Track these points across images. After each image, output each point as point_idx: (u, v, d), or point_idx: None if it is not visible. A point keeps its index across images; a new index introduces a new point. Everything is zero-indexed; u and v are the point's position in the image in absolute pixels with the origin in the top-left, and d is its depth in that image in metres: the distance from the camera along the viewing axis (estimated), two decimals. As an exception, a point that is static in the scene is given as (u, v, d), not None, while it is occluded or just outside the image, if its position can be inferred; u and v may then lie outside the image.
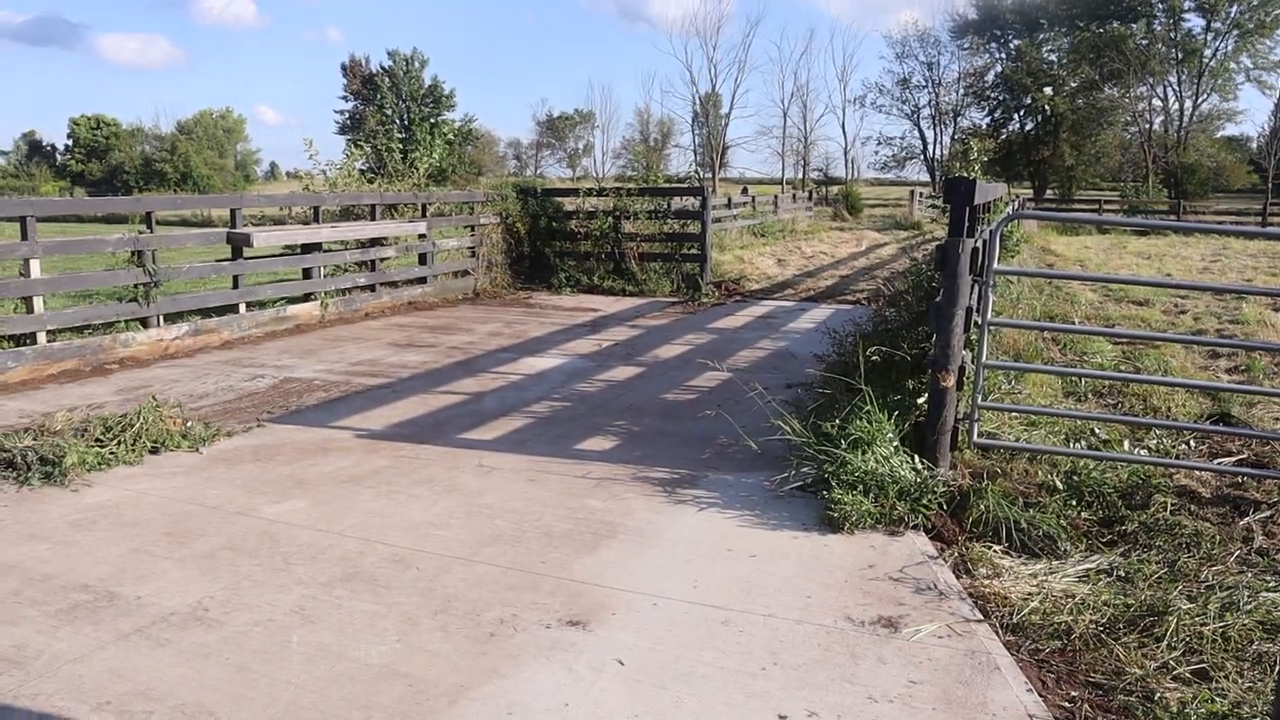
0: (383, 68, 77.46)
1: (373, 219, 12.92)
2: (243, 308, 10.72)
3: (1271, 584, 4.13)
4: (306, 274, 11.80)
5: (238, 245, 10.60)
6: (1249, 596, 3.96)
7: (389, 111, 75.19)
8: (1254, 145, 62.99)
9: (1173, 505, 5.06)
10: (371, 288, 12.81)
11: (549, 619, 3.86)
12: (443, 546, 4.58)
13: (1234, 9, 57.20)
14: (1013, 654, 3.68)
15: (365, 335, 10.78)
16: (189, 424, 6.40)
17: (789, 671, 3.48)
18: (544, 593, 4.10)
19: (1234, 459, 5.87)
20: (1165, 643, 3.68)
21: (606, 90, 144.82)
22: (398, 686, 3.33)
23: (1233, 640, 3.68)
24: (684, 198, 17.53)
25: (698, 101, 77.39)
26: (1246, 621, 3.77)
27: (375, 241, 12.85)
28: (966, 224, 5.22)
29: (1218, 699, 3.27)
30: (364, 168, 18.65)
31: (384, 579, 4.21)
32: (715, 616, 3.92)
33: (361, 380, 8.26)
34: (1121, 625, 3.85)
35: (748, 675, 3.45)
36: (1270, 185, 51.82)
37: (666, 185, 18.36)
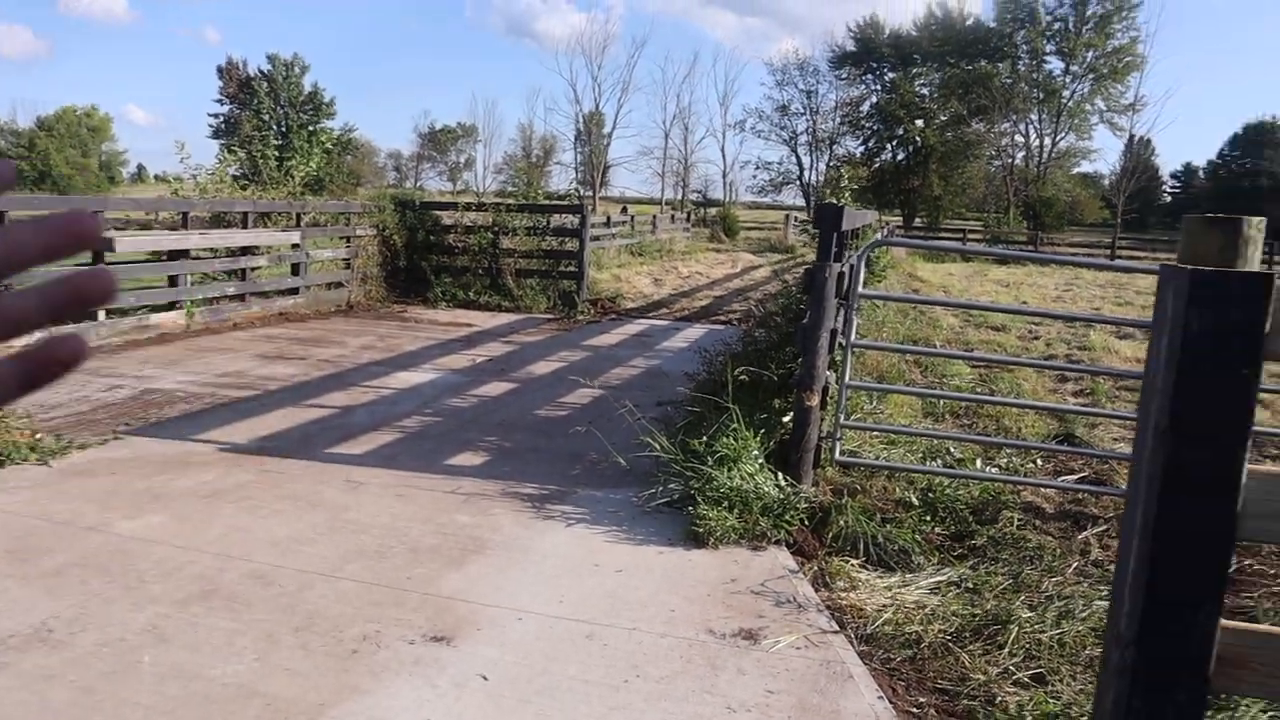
0: (261, 72, 75.50)
1: (245, 227, 12.60)
2: (101, 315, 10.31)
3: (1104, 594, 4.38)
4: (172, 281, 11.43)
5: (99, 251, 10.21)
6: (1083, 605, 4.19)
7: (266, 117, 73.30)
8: (1106, 182, 66.45)
9: (1019, 520, 5.33)
10: (241, 297, 12.48)
11: (413, 635, 3.83)
12: (306, 563, 4.51)
13: (1090, 54, 60.42)
14: (866, 663, 3.81)
15: (233, 346, 10.49)
16: (38, 436, 6.13)
17: (651, 684, 3.54)
18: (409, 609, 4.07)
19: (1076, 477, 6.21)
20: (1007, 650, 3.87)
21: (491, 105, 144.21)
22: (255, 706, 3.27)
23: (1068, 646, 3.89)
24: (563, 215, 17.61)
25: (581, 120, 77.69)
26: (1080, 629, 3.99)
27: (246, 250, 12.53)
28: (834, 249, 5.41)
29: (1052, 701, 3.46)
30: (238, 174, 18.18)
31: (244, 596, 4.12)
32: (580, 630, 3.95)
33: (227, 392, 8.05)
34: (968, 634, 4.03)
35: (610, 688, 3.49)
36: (1120, 220, 54.79)
37: (546, 202, 18.38)
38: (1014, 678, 3.70)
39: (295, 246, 13.38)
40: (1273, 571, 4.87)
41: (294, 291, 13.48)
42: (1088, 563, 4.83)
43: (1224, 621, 1.83)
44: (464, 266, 15.67)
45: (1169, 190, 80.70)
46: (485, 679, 3.52)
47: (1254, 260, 1.75)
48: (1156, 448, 1.77)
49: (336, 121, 76.94)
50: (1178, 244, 1.89)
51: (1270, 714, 3.40)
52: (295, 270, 13.50)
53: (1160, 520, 1.78)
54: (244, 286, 12.51)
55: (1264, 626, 1.88)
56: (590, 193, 69.27)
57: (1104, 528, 5.31)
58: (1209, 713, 3.33)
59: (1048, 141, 61.88)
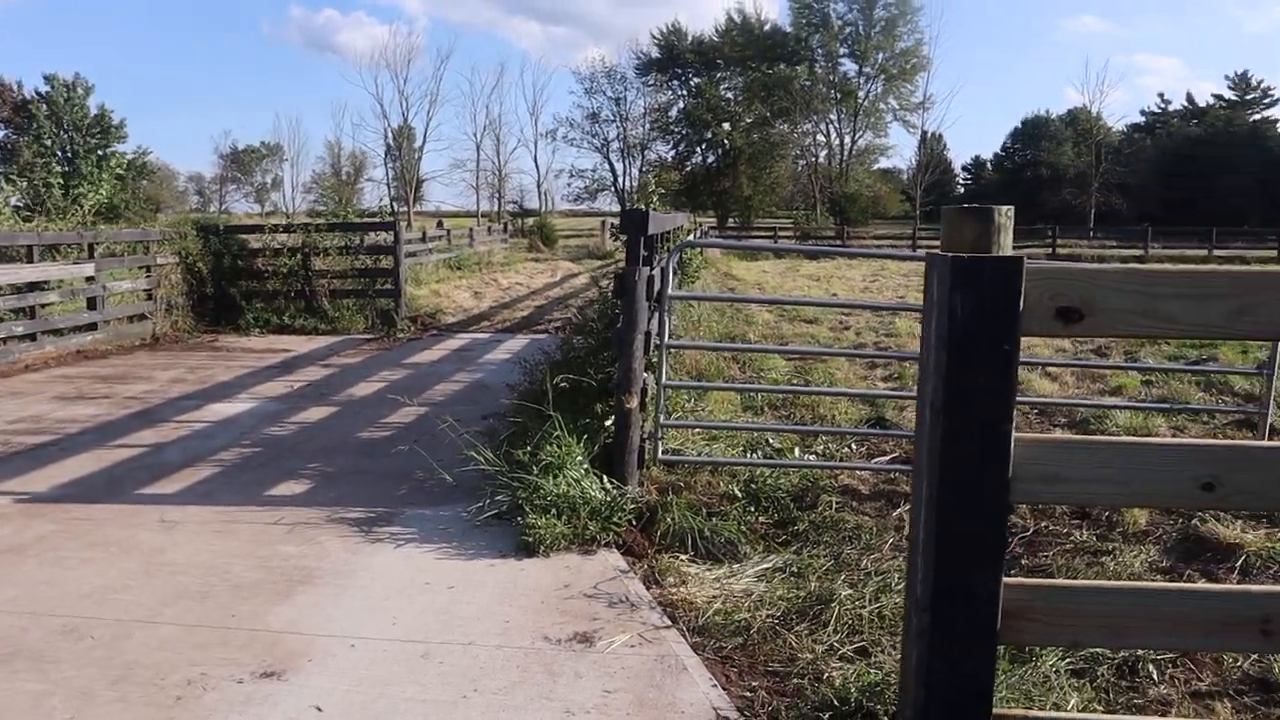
0: (39, 94, 70.83)
1: (30, 261, 11.84)
2: None
3: (917, 566, 4.64)
4: (-50, 325, 10.65)
5: None
6: (899, 579, 4.42)
7: (48, 143, 68.76)
8: (905, 177, 69.98)
9: (837, 503, 5.57)
10: (32, 337, 11.72)
11: (241, 673, 3.71)
12: (122, 611, 4.29)
13: (880, 56, 63.57)
14: (699, 654, 3.92)
15: (25, 389, 9.84)
16: None
17: (489, 696, 3.54)
18: (235, 647, 3.94)
19: (888, 458, 6.53)
20: (831, 627, 4.05)
21: (296, 122, 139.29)
22: (70, 764, 3.11)
23: (887, 619, 4.10)
24: (377, 233, 17.29)
25: (390, 134, 76.17)
26: (898, 601, 4.21)
27: (34, 286, 11.77)
28: (642, 253, 5.53)
29: (874, 671, 3.64)
30: (19, 204, 17.05)
31: (53, 653, 3.89)
32: (415, 651, 3.91)
33: (22, 439, 7.55)
34: (794, 616, 4.20)
35: (449, 705, 3.48)
36: (919, 212, 57.74)
37: (358, 220, 17.99)
38: (839, 653, 3.87)
39: (90, 279, 12.66)
40: (1065, 531, 5.25)
41: (92, 327, 12.74)
42: (902, 538, 5.08)
43: (1006, 579, 1.99)
44: (276, 290, 15.16)
45: (961, 182, 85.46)
46: (320, 710, 3.45)
47: (1006, 245, 1.91)
48: (934, 423, 1.91)
49: (129, 145, 72.91)
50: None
51: (1066, 660, 3.68)
52: (91, 305, 12.77)
53: (942, 491, 1.92)
54: (34, 325, 11.74)
55: (1042, 580, 2.05)
56: (405, 208, 68.07)
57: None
58: (1015, 666, 3.58)
59: (848, 140, 64.85)
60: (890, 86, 65.00)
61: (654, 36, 68.96)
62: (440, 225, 32.66)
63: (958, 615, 1.97)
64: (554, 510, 5.09)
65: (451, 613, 4.28)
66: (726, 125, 65.38)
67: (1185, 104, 76.35)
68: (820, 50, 65.19)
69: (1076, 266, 1.96)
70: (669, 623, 4.18)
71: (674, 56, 67.25)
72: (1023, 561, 4.83)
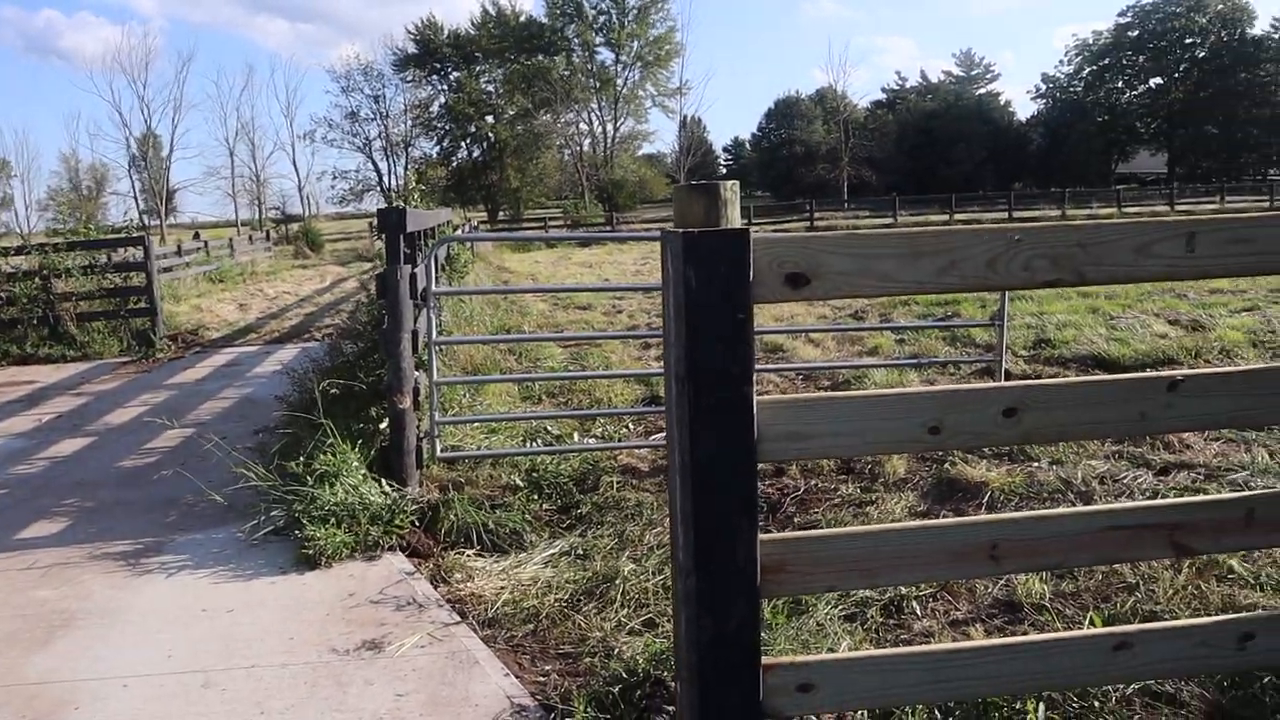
0: None
1: None
2: None
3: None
4: None
5: None
6: (680, 550, 4.55)
7: None
8: (669, 161, 71.67)
9: (619, 483, 5.68)
10: None
11: (-6, 733, 3.44)
12: None
13: (635, 44, 64.76)
14: (490, 646, 3.92)
15: None
16: None
17: (277, 716, 3.42)
18: (-15, 707, 3.64)
19: (664, 434, 6.70)
20: (618, 604, 4.13)
21: (23, 135, 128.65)
22: None
23: (669, 590, 4.22)
24: (126, 249, 16.18)
25: (133, 144, 71.41)
26: (679, 571, 4.34)
27: None
28: (404, 251, 5.44)
29: (660, 640, 3.74)
30: None
31: None
32: (195, 681, 3.73)
33: None
34: (583, 597, 4.26)
35: (232, 732, 3.34)
36: (684, 193, 59.27)
37: (103, 237, 16.80)
38: (627, 627, 3.96)
39: None
40: (834, 486, 5.55)
41: None
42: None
43: (762, 535, 2.09)
44: (13, 319, 13.94)
45: (724, 163, 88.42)
46: (86, 758, 3.24)
47: (735, 219, 2.00)
48: (680, 393, 1.99)
49: None
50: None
51: (840, 608, 3.91)
52: None
53: (693, 457, 2.00)
54: None
55: (794, 533, 2.17)
56: (157, 221, 64.10)
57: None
58: (792, 618, 3.77)
59: (610, 128, 65.70)
60: (647, 73, 66.43)
61: (409, 32, 67.63)
62: (197, 237, 30.92)
63: (719, 575, 2.06)
64: (333, 520, 4.95)
65: (232, 637, 4.10)
66: (490, 118, 64.97)
67: (921, 81, 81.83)
68: (576, 40, 65.77)
69: (801, 235, 2.07)
70: (458, 619, 4.15)
71: (431, 51, 66.18)
72: (796, 519, 5.08)
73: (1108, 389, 2.15)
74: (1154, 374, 2.18)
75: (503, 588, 4.42)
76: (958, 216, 43.78)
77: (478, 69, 66.21)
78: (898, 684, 2.22)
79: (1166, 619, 3.51)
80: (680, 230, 1.94)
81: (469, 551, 4.88)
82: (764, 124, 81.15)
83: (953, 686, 2.27)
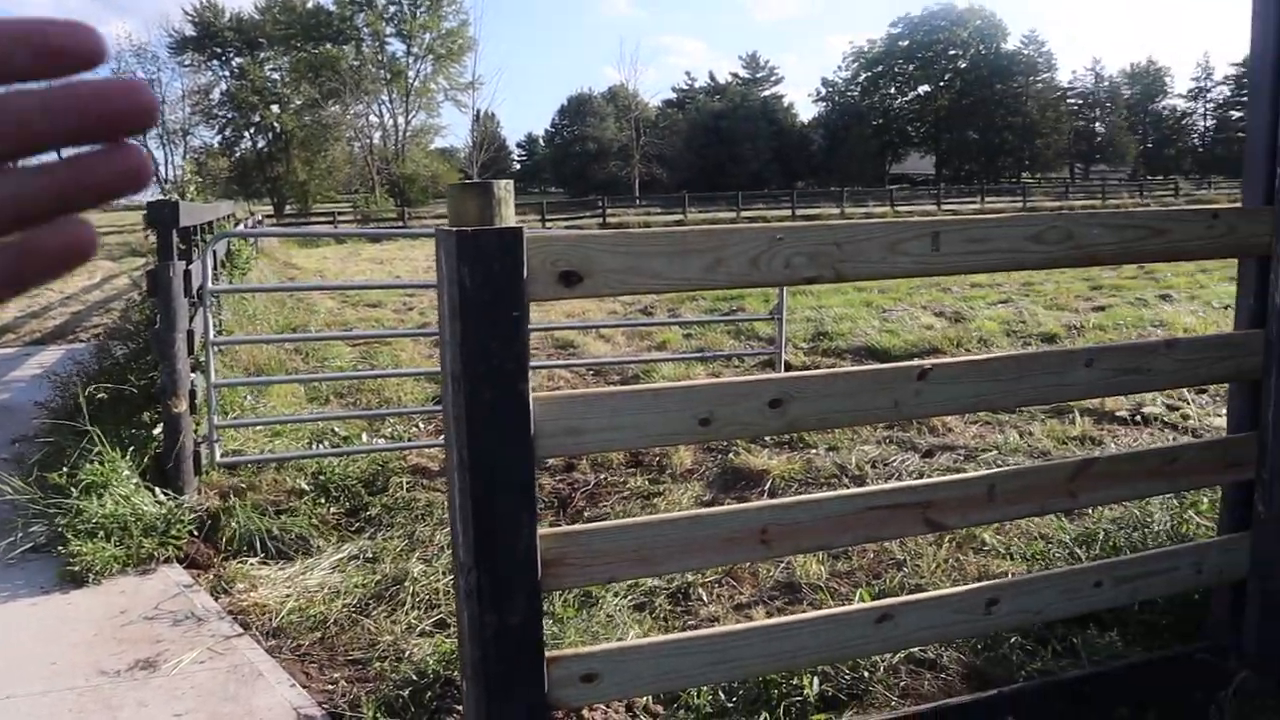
0: None
1: None
2: None
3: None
4: None
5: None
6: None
7: None
8: (462, 156, 70.80)
9: (409, 483, 5.58)
10: None
11: None
12: None
13: (427, 37, 63.63)
14: (275, 657, 3.79)
15: None
16: None
17: (35, 748, 3.21)
18: None
19: (458, 433, 6.64)
20: (408, 606, 4.07)
21: None
22: None
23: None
24: None
25: None
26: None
27: None
28: (178, 247, 5.18)
29: (450, 641, 3.72)
30: None
31: None
32: (-62, 719, 3.45)
33: None
34: (372, 601, 4.17)
35: (-16, 767, 3.11)
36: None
37: None
38: (418, 629, 3.91)
39: None
40: (623, 480, 5.65)
41: None
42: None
43: (542, 530, 2.12)
44: None
45: (518, 159, 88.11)
46: None
47: (509, 217, 2.01)
48: (456, 391, 1.99)
49: None
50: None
51: (630, 599, 3.99)
52: None
53: (471, 455, 2.01)
54: None
55: (573, 527, 2.21)
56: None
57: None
58: (582, 610, 3.83)
59: (401, 121, 64.30)
60: (440, 66, 65.38)
61: (187, 13, 63.90)
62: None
63: (500, 571, 2.08)
64: (103, 533, 4.66)
65: (-17, 666, 3.80)
66: (275, 108, 62.40)
67: (709, 81, 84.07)
68: (366, 29, 64.01)
69: (575, 233, 2.12)
70: (241, 630, 4.00)
71: (211, 35, 62.85)
72: (586, 513, 5.14)
73: (865, 379, 2.30)
74: (905, 364, 2.34)
75: (288, 595, 4.28)
76: (745, 213, 45.19)
77: (262, 56, 63.42)
78: (680, 668, 2.30)
79: (929, 590, 3.77)
80: (454, 229, 1.95)
81: (253, 560, 4.70)
82: (557, 120, 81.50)
83: (733, 667, 2.37)
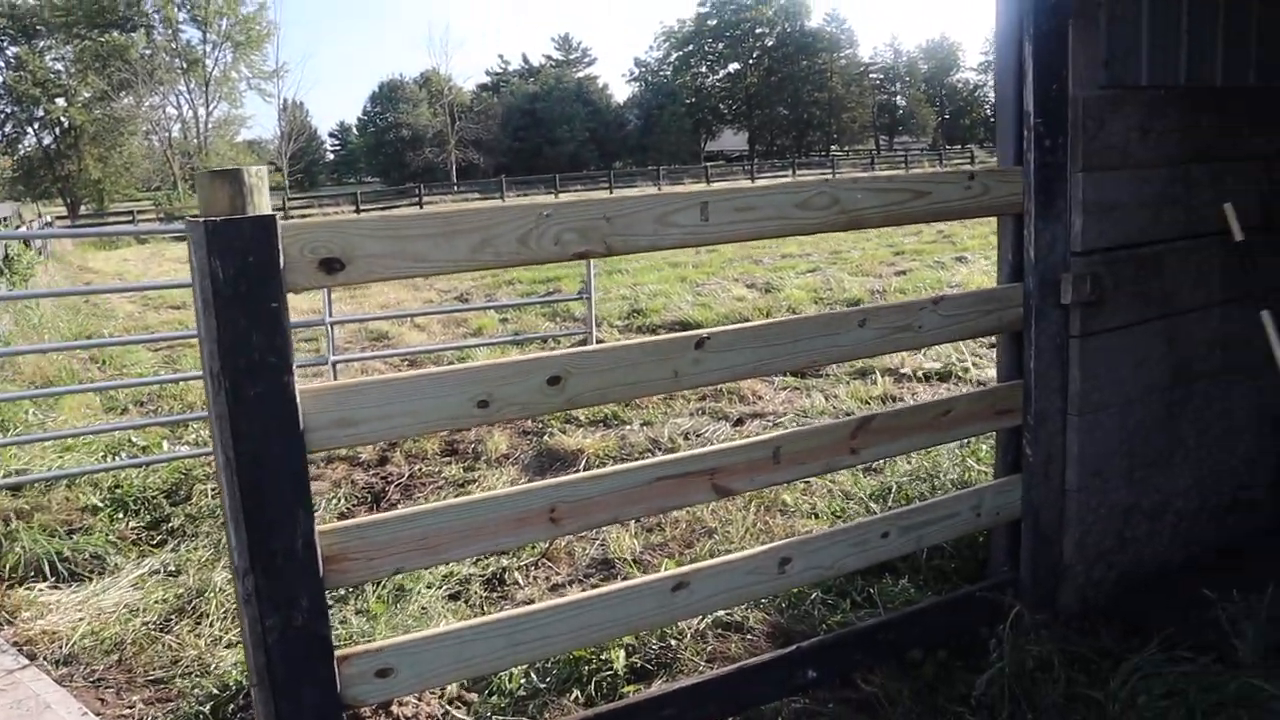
0: None
1: None
2: None
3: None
4: None
5: None
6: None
7: None
8: (271, 148, 68.09)
9: (214, 490, 5.34)
10: None
11: None
12: None
13: (224, 23, 60.82)
14: (65, 686, 3.57)
15: None
16: None
17: None
18: None
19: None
20: (213, 618, 3.91)
21: None
22: None
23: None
24: None
25: None
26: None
27: None
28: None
29: (257, 650, 3.59)
30: None
31: None
32: None
33: None
34: (175, 616, 3.98)
35: None
36: (288, 182, 56.71)
37: None
38: (224, 641, 3.76)
39: None
40: (438, 469, 5.57)
41: None
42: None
43: (320, 526, 2.06)
44: None
45: (330, 148, 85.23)
46: None
47: (263, 205, 1.93)
48: (217, 389, 1.90)
49: None
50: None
51: (444, 588, 3.94)
52: None
53: (238, 455, 1.93)
54: None
55: (352, 521, 2.15)
56: None
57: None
58: (394, 604, 3.76)
59: (202, 112, 61.30)
60: (240, 54, 62.44)
61: (-51, 1, 59.20)
62: None
63: (279, 572, 2.00)
64: None
65: None
66: (61, 101, 58.38)
67: (523, 64, 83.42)
68: (157, 15, 60.55)
69: (334, 219, 2.05)
70: (26, 662, 3.75)
71: (-19, 23, 58.35)
72: (400, 505, 5.05)
73: (643, 350, 2.32)
74: (683, 334, 2.37)
75: (81, 619, 4.03)
76: (563, 195, 45.32)
77: (41, 45, 59.21)
78: (477, 654, 2.28)
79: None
80: (202, 220, 1.86)
81: (41, 585, 4.40)
82: (369, 108, 79.22)
83: (532, 648, 2.36)
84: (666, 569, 3.43)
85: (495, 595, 3.97)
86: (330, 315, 6.53)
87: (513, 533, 2.27)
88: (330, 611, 3.79)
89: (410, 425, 2.12)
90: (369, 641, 2.48)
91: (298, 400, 1.96)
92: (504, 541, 2.30)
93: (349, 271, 1.99)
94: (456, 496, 5.04)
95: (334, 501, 5.15)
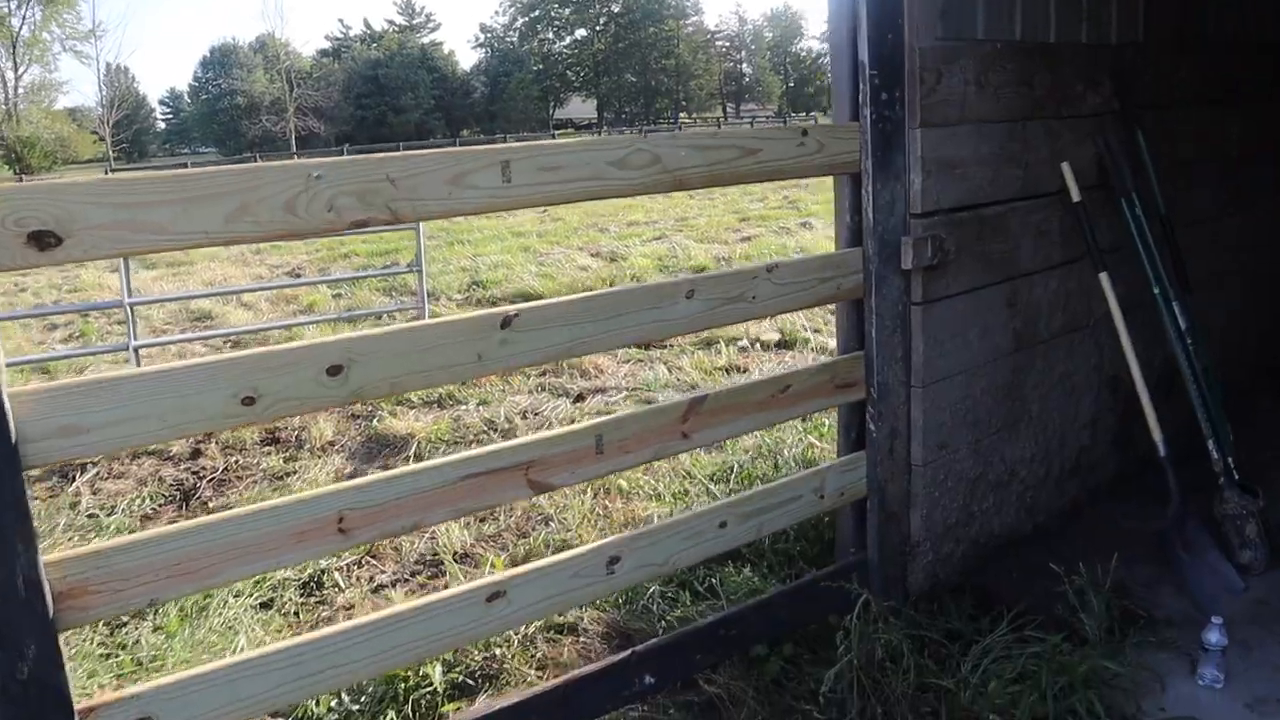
0: None
1: None
2: None
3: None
4: None
5: None
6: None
7: None
8: (95, 116, 64.08)
9: None
10: None
11: None
12: None
13: (31, -23, 56.80)
14: None
15: None
16: None
17: None
18: None
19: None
20: None
21: None
22: None
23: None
24: None
25: None
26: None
27: None
28: None
29: None
30: None
31: None
32: None
33: None
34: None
35: None
36: (112, 153, 53.45)
37: None
38: None
39: None
40: (256, 461, 5.14)
41: None
42: (79, 515, 4.54)
43: (46, 557, 1.70)
44: None
45: (161, 116, 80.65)
46: None
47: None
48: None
49: None
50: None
51: (254, 596, 3.56)
52: None
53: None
54: None
55: (89, 548, 1.79)
56: None
57: (94, 472, 5.06)
58: (192, 622, 3.37)
59: (11, 76, 57.16)
60: (51, 13, 58.31)
61: None
62: None
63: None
64: None
65: None
66: None
67: (365, 29, 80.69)
68: (-48, -29, 56.09)
69: (44, 184, 1.68)
70: None
71: None
72: (212, 503, 4.62)
73: (440, 332, 2.02)
74: (488, 312, 2.08)
75: None
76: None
77: None
78: (254, 691, 1.95)
79: (576, 545, 3.60)
80: None
81: None
82: (200, 74, 75.24)
83: (324, 678, 2.05)
84: (492, 569, 3.17)
85: (313, 601, 3.62)
86: (129, 296, 5.96)
87: (294, 549, 1.95)
88: (124, 629, 3.40)
89: (157, 430, 1.77)
90: (121, 688, 2.11)
91: (6, 405, 1.59)
92: (286, 559, 1.98)
93: (68, 247, 1.63)
94: (275, 491, 4.65)
95: (137, 503, 4.67)
